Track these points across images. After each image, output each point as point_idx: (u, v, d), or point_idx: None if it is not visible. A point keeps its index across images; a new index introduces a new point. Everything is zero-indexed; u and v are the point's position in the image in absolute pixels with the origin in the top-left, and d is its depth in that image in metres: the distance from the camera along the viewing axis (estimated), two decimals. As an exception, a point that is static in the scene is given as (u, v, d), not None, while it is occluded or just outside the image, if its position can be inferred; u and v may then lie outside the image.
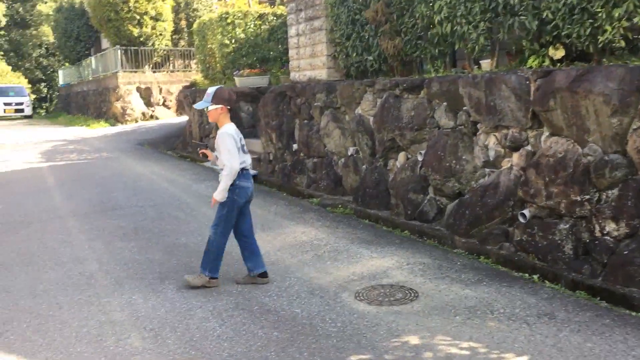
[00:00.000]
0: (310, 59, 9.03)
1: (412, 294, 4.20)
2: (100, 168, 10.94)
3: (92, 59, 26.80)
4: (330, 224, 6.40)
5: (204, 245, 5.56)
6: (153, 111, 22.42)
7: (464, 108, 5.75)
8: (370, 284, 4.45)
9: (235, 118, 11.92)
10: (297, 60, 9.43)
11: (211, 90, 4.45)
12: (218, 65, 13.18)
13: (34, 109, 33.95)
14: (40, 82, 41.76)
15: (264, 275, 4.58)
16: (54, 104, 39.17)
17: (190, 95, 13.76)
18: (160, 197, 8.04)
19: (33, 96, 36.87)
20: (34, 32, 41.29)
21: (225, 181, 4.32)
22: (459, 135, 5.83)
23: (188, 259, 5.23)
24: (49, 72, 42.31)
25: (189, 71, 24.11)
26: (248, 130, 11.75)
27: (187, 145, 13.92)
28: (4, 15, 38.67)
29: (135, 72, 22.62)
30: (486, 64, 6.16)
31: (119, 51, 22.24)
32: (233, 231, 4.55)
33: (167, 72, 23.68)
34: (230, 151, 4.31)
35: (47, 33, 39.93)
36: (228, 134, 4.36)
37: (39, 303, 4.29)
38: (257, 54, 12.82)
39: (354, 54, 7.93)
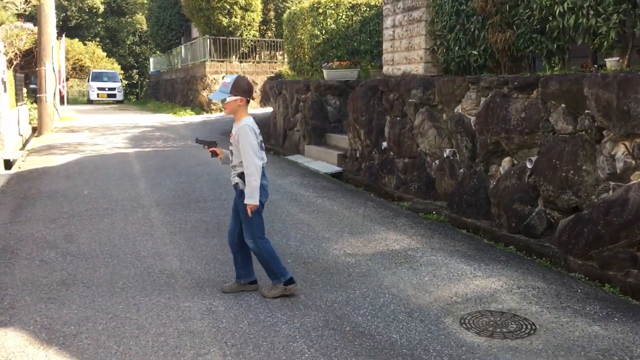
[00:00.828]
0: (406, 52, 8.47)
1: (529, 326, 3.62)
2: (185, 156, 10.87)
3: (182, 47, 27.32)
4: (424, 232, 5.86)
5: (289, 248, 5.26)
6: (237, 101, 22.47)
7: (587, 111, 5.05)
8: (477, 308, 3.90)
9: (321, 112, 11.59)
10: (392, 53, 8.89)
11: (230, 79, 4.05)
12: (306, 56, 12.85)
13: (125, 94, 35.23)
14: (132, 68, 43.35)
15: (254, 282, 4.27)
16: (143, 91, 40.51)
17: (276, 86, 13.53)
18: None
19: (125, 82, 38.25)
20: (129, 19, 42.89)
21: (254, 182, 3.92)
22: (579, 142, 5.13)
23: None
24: (140, 59, 43.84)
25: (275, 62, 24.06)
26: (334, 124, 11.36)
27: (271, 138, 13.71)
28: (102, 3, 40.35)
29: (223, 61, 22.79)
30: (613, 62, 5.39)
31: (208, 40, 22.47)
32: (228, 233, 4.31)
33: (254, 62, 23.73)
34: (254, 147, 3.91)
35: (141, 21, 41.37)
36: (250, 127, 3.95)
37: (117, 302, 4.04)
38: (347, 46, 12.37)
39: (456, 48, 7.31)
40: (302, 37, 13.02)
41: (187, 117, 20.39)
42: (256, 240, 4.05)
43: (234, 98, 3.96)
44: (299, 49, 13.45)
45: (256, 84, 22.92)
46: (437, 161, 7.29)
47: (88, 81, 32.42)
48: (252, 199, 3.94)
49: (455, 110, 6.85)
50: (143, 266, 4.79)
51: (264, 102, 23.00)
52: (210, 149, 4.34)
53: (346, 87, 11.35)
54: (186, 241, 5.48)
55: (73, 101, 29.88)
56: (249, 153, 3.88)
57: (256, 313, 3.86)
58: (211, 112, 21.79)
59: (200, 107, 22.32)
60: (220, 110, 21.80)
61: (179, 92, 26.60)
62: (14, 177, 9.10)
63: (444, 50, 7.63)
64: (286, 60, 24.52)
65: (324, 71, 11.57)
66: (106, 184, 8.25)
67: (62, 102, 20.15)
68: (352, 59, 11.97)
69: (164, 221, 6.19)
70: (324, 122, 11.37)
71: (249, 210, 3.97)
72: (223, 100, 4.01)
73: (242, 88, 3.99)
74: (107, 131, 15.68)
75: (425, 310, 3.88)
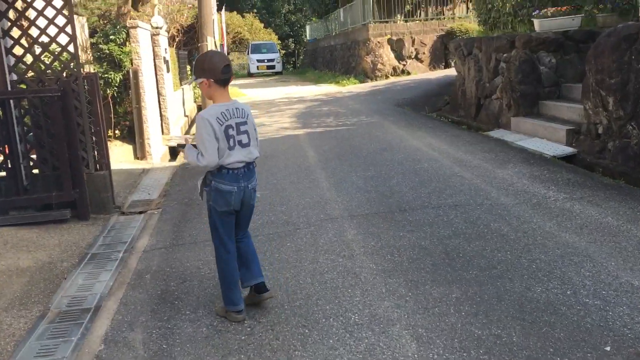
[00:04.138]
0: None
1: None
2: (364, 138, 9.10)
3: (340, 11, 25.66)
4: None
5: (588, 312, 2.97)
6: (404, 65, 20.37)
7: None
8: None
9: (533, 74, 9.10)
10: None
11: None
12: (507, 4, 10.32)
13: (282, 64, 34.58)
14: (288, 38, 42.80)
15: (261, 289, 3.53)
16: (300, 60, 39.75)
17: (464, 45, 11.19)
18: (457, 190, 5.77)
19: (282, 52, 37.69)
20: (284, -13, 42.20)
21: (192, 159, 3.28)
22: None
23: (572, 347, 2.85)
24: (296, 27, 43.15)
25: (443, 19, 21.48)
26: (549, 89, 8.85)
27: (458, 108, 11.47)
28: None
29: (387, 22, 20.73)
30: None
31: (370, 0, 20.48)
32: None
33: (420, 21, 21.32)
34: (204, 143, 3.19)
35: (296, -12, 40.44)
36: (203, 117, 3.20)
37: None
38: (565, -14, 9.63)
39: None
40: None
41: (352, 87, 18.69)
42: (215, 247, 3.47)
43: (199, 80, 3.29)
44: (496, -4, 10.94)
45: (424, 44, 20.57)
46: None
47: (247, 54, 32.19)
48: (185, 150, 3.36)
49: None
50: (353, 339, 3.03)
51: (433, 64, 20.60)
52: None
53: (565, 40, 8.79)
54: (409, 289, 3.63)
55: (234, 75, 29.72)
56: (202, 146, 3.19)
57: None
58: (376, 80, 19.90)
59: (364, 75, 20.51)
60: (386, 77, 19.85)
61: (338, 59, 25.04)
62: (178, 171, 7.96)
63: None
64: (457, 15, 21.79)
65: (535, 21, 9.06)
66: (280, 181, 6.70)
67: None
68: (572, 2, 9.26)
69: (367, 248, 4.41)
70: (536, 86, 8.91)
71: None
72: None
73: (200, 67, 3.27)
74: (270, 107, 14.46)
75: None
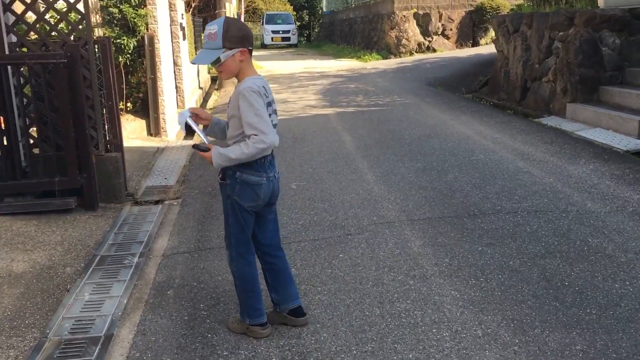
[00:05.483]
0: None
1: None
2: (403, 121, 8.20)
3: (362, -18, 24.47)
4: None
5: None
6: (430, 42, 19.32)
7: None
8: None
9: (595, 55, 8.13)
10: None
11: (216, 27, 2.56)
12: (566, -24, 9.31)
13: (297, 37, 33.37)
14: (302, 9, 41.41)
15: (298, 312, 2.90)
16: (315, 33, 38.47)
17: (510, 22, 10.19)
18: (530, 190, 4.90)
19: (297, 23, 36.44)
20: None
21: (240, 152, 2.57)
22: None
23: None
24: (311, -1, 41.72)
25: (472, -7, 20.29)
26: (611, 73, 7.91)
27: (498, 90, 10.52)
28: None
29: (413, -6, 19.59)
30: None
31: (397, -30, 19.35)
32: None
33: (449, -6, 20.16)
34: (262, 115, 2.54)
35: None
36: (252, 90, 2.55)
37: None
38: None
39: None
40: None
41: (376, 63, 17.68)
42: (232, 255, 2.83)
43: (230, 53, 2.58)
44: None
45: (452, 20, 19.49)
46: None
47: (262, 24, 31.05)
48: (217, 157, 2.62)
49: None
50: None
51: (460, 41, 19.53)
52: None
53: (632, 19, 7.82)
54: (516, 337, 2.78)
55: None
56: (257, 126, 2.53)
57: None
58: (400, 56, 18.87)
59: (387, 50, 19.47)
60: (411, 54, 18.82)
61: (358, 33, 23.93)
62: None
63: None
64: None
65: (600, -4, 8.07)
66: (317, 170, 5.84)
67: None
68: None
69: (441, 266, 3.55)
70: (598, 70, 7.96)
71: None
72: (217, 63, 2.60)
73: (236, 36, 2.58)
74: (292, 82, 13.52)
75: None
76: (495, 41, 11.40)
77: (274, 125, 2.69)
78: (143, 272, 3.70)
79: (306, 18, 41.76)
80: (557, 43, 8.59)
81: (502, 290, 3.21)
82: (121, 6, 7.50)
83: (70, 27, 5.00)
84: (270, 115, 2.65)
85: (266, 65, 18.14)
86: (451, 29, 19.46)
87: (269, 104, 2.68)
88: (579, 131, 7.27)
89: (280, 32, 29.78)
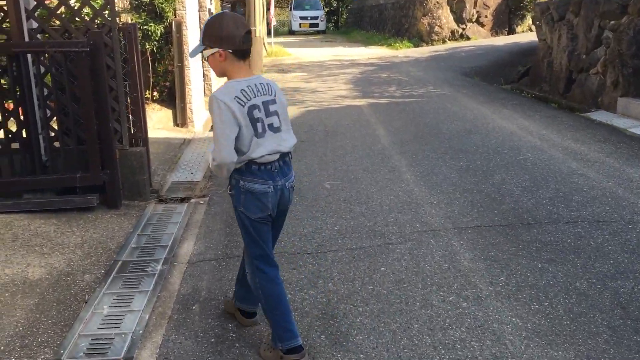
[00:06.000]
0: None
1: None
2: (440, 114, 7.76)
3: (394, -33, 23.80)
4: None
5: None
6: (464, 29, 18.70)
7: None
8: None
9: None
10: None
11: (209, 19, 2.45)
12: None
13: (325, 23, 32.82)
14: (330, -6, 40.76)
15: (296, 350, 2.50)
16: (343, 19, 37.84)
17: (555, 9, 9.63)
18: (588, 196, 4.47)
19: (326, 9, 35.86)
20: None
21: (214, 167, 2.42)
22: None
23: None
24: (340, -16, 41.04)
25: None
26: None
27: (540, 82, 9.99)
28: None
29: (448, -20, 18.96)
30: None
31: (431, -45, 18.72)
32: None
33: (484, -20, 19.46)
34: (220, 127, 2.33)
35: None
36: (217, 99, 2.34)
37: None
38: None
39: None
40: None
41: (407, 51, 17.16)
42: (251, 271, 2.57)
43: (210, 52, 2.42)
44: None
45: (487, 7, 18.82)
46: None
47: (290, 10, 30.57)
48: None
49: None
50: None
51: (495, 29, 18.87)
52: None
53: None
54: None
55: (275, 32, 28.25)
56: (215, 138, 2.35)
57: None
58: (432, 44, 18.30)
59: (419, 38, 18.91)
60: (443, 41, 18.24)
61: (389, 19, 23.35)
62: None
63: None
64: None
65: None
66: (352, 168, 5.48)
67: (268, 34, 18.16)
68: None
69: (496, 285, 3.18)
70: (653, 63, 7.42)
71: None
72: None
73: (214, 35, 2.40)
74: (321, 71, 13.12)
75: None
76: (537, 29, 10.84)
77: (272, 128, 2.44)
78: (167, 281, 3.40)
79: (334, 4, 41.08)
80: (608, 32, 8.05)
81: (571, 318, 2.82)
82: (148, -10, 7.18)
83: (94, 13, 4.69)
84: (257, 120, 2.38)
85: (294, 52, 17.75)
86: (486, 16, 18.80)
87: (254, 107, 2.38)
88: (632, 128, 6.77)
89: (309, 18, 29.25)
